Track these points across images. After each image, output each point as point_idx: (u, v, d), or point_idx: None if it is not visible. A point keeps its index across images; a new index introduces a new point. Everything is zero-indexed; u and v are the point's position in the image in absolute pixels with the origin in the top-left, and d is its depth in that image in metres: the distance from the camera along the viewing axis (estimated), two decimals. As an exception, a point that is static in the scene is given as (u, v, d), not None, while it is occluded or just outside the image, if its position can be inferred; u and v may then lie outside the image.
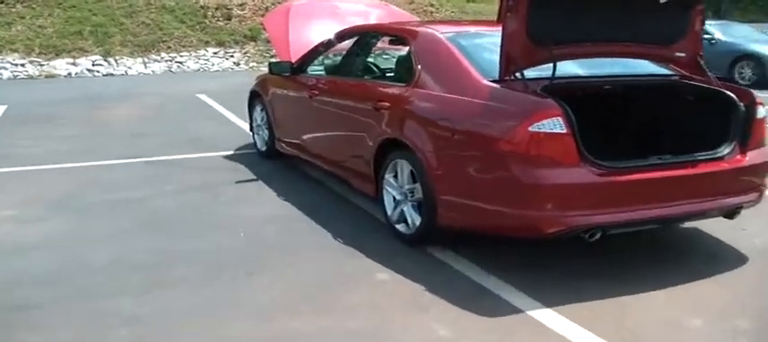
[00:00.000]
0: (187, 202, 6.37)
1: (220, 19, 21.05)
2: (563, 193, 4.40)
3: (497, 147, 4.46)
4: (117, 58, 18.43)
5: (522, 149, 4.36)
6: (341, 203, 6.33)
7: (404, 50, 6.02)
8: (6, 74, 16.93)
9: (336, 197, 6.50)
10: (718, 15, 32.84)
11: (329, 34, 7.24)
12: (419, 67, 5.28)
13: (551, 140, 4.32)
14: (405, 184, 5.21)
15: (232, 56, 19.74)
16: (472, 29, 5.87)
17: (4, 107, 11.97)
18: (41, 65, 17.53)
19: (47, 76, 17.07)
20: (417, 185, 5.06)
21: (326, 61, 7.19)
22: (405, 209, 5.26)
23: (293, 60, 7.41)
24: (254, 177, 7.26)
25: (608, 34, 4.84)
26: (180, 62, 18.88)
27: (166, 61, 18.83)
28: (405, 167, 5.20)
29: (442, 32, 5.46)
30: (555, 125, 4.29)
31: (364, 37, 6.47)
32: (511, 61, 4.61)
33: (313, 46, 7.20)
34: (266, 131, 7.96)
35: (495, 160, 4.52)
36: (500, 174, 4.51)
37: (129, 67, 18.22)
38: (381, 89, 5.68)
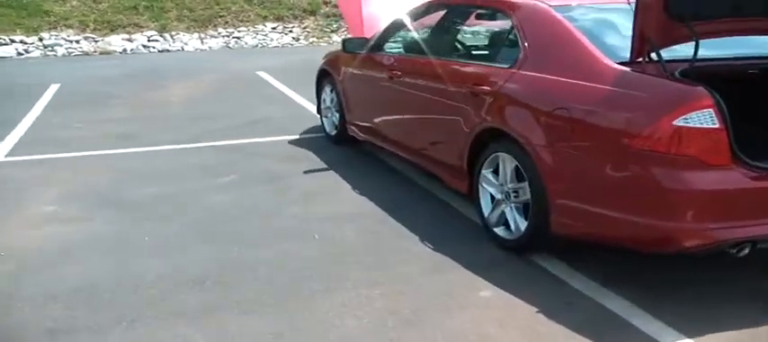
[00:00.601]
0: (249, 198, 5.71)
1: (279, -8, 20.40)
2: (710, 201, 3.63)
3: (631, 143, 3.69)
4: (173, 33, 17.94)
5: (663, 147, 3.58)
6: (425, 199, 5.62)
7: (500, 26, 5.25)
8: (61, 50, 16.55)
9: (420, 191, 5.78)
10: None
11: (408, 7, 6.54)
12: (526, 45, 4.51)
13: (700, 137, 3.55)
14: (507, 181, 4.48)
15: (291, 31, 19.10)
16: (583, 2, 5.04)
17: (57, 86, 11.52)
18: (96, 41, 17.12)
19: (102, 53, 16.66)
20: (524, 185, 4.32)
21: (408, 38, 6.46)
22: (506, 210, 4.53)
23: (368, 37, 6.68)
24: (325, 166, 6.56)
25: (755, 8, 3.99)
26: (237, 38, 18.32)
27: (223, 37, 18.28)
28: (508, 163, 4.46)
29: (551, 5, 4.67)
30: (705, 118, 3.52)
31: (453, 11, 5.69)
32: (645, 39, 3.81)
33: (390, 21, 6.48)
34: (337, 114, 7.29)
35: (626, 159, 3.75)
36: (632, 176, 3.75)
37: (186, 43, 17.71)
38: (478, 71, 4.94)
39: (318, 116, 7.97)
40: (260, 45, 18.21)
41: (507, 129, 4.44)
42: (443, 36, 5.70)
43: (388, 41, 6.42)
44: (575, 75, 4.13)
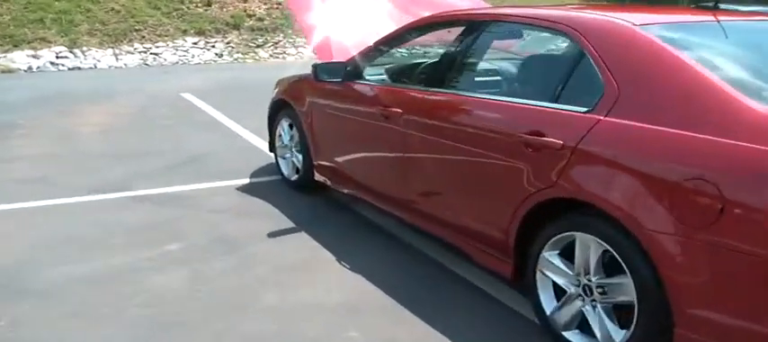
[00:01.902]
0: (204, 280, 4.19)
1: (199, 4, 18.62)
2: None
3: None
4: (84, 49, 15.94)
5: None
6: (445, 280, 4.22)
7: (560, 52, 3.84)
8: (-47, 69, 14.37)
9: (434, 268, 4.36)
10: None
11: (389, 22, 5.09)
12: (613, 81, 3.11)
13: None
14: (589, 272, 3.08)
15: (214, 46, 17.34)
16: (672, 18, 3.66)
17: (-54, 114, 9.53)
18: (-4, 58, 14.97)
19: (3, 72, 14.50)
20: (622, 281, 2.97)
21: (408, 64, 5.07)
22: (585, 310, 3.11)
23: (336, 58, 5.23)
24: (292, 225, 5.04)
25: None
26: (156, 54, 16.45)
27: (140, 52, 16.39)
28: (591, 248, 3.08)
29: (638, 25, 3.27)
30: None
31: (476, 28, 4.18)
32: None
33: (376, 40, 5.11)
34: (299, 155, 5.77)
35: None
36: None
37: (99, 60, 15.75)
38: (534, 114, 3.50)
39: (272, 155, 6.36)
40: (180, 61, 16.36)
41: (595, 201, 3.03)
42: (465, 63, 4.23)
43: (375, 66, 4.93)
44: (704, 126, 2.73)
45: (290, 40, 17.78)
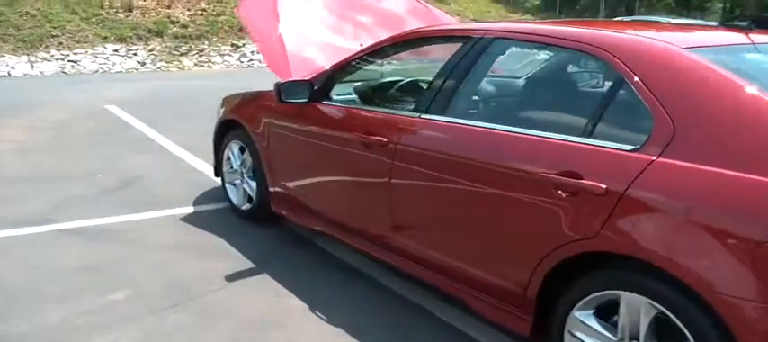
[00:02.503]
0: None
1: (120, 10, 17.61)
2: None
3: None
4: (-4, 56, 14.76)
5: None
6: (439, 331, 3.59)
7: (592, 76, 3.29)
8: None
9: (425, 317, 3.80)
10: (631, 12, 31.33)
11: (354, 34, 4.54)
12: (667, 116, 2.57)
13: None
14: (639, 339, 2.51)
15: (136, 54, 16.41)
16: (712, 38, 3.17)
17: None
18: None
19: None
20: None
21: (395, 86, 4.51)
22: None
23: (296, 75, 4.62)
24: (251, 265, 4.43)
25: None
26: (74, 61, 15.41)
27: (58, 60, 15.32)
28: (643, 311, 2.57)
29: (684, 47, 2.77)
30: None
31: (477, 47, 3.58)
32: None
33: (338, 54, 4.66)
34: (251, 183, 5.10)
35: None
36: None
37: (12, 68, 14.63)
38: (563, 151, 2.94)
39: (217, 179, 5.69)
40: (101, 70, 15.37)
41: (653, 259, 2.51)
42: (470, 86, 3.63)
43: (347, 85, 4.32)
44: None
45: (216, 48, 16.96)
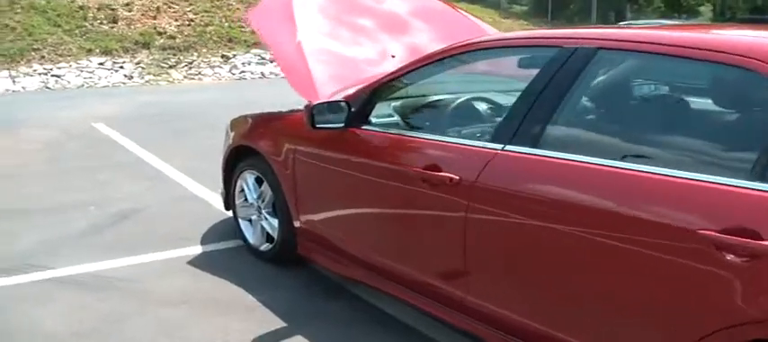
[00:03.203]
0: None
1: (104, 21, 16.73)
2: None
3: None
4: (-25, 71, 13.86)
5: None
6: None
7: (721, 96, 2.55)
8: None
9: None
10: (621, 16, 30.83)
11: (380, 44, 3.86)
12: None
13: None
14: None
15: (122, 67, 15.54)
16: None
17: None
18: None
19: None
20: None
21: (429, 104, 3.72)
22: None
23: (322, 95, 3.93)
24: (285, 325, 3.72)
25: None
26: (58, 76, 14.53)
27: (41, 74, 14.44)
28: None
29: None
30: None
31: (581, 60, 2.79)
32: None
33: (374, 68, 4.17)
34: (273, 220, 4.29)
35: None
36: None
37: (-8, 84, 13.70)
38: (727, 201, 2.20)
39: (227, 212, 4.94)
40: (86, 84, 14.49)
41: None
42: (567, 110, 2.84)
43: (385, 105, 3.54)
44: None
45: (205, 60, 16.13)
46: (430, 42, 4.71)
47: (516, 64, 3.29)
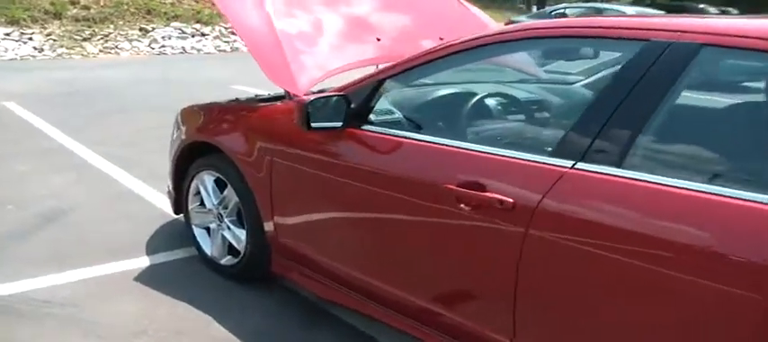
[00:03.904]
0: None
1: (10, -11, 15.29)
2: None
3: None
4: None
5: None
6: None
7: None
8: None
9: None
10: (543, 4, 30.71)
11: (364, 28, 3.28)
12: None
13: None
14: None
15: (31, 39, 14.26)
16: None
17: None
18: None
19: None
20: None
21: (445, 103, 3.13)
22: None
23: (301, 83, 3.42)
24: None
25: None
26: (-43, 47, 13.15)
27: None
28: None
29: None
30: None
31: (678, 59, 2.16)
32: None
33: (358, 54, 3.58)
34: (239, 230, 3.59)
35: None
36: None
37: None
38: None
39: (182, 219, 4.29)
40: (-9, 57, 13.16)
41: None
42: (669, 124, 2.20)
43: (403, 105, 2.94)
44: None
45: (123, 33, 15.00)
46: (417, 27, 4.05)
47: (571, 58, 2.64)
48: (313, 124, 2.85)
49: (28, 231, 4.38)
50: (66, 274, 3.78)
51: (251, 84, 10.47)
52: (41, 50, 14.03)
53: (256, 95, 4.24)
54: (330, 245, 3.13)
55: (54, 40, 14.53)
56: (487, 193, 2.34)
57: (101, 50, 14.68)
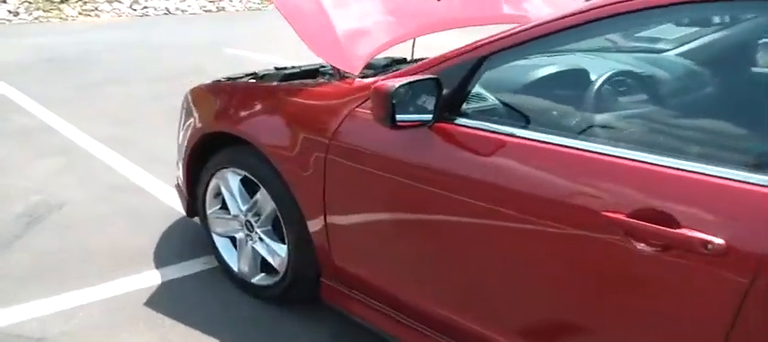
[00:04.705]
0: None
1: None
2: None
3: None
4: None
5: None
6: None
7: None
8: None
9: None
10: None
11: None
12: None
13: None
14: None
15: (5, 2, 13.17)
16: None
17: None
18: None
19: None
20: None
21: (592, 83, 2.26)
22: None
23: (354, 59, 2.67)
24: None
25: None
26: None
27: None
28: None
29: None
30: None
31: None
32: None
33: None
34: (274, 243, 2.95)
35: None
36: None
37: None
38: None
39: (197, 221, 3.50)
40: (-38, 22, 12.14)
41: None
42: None
43: (512, 95, 2.26)
44: None
45: (103, -6, 13.91)
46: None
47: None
48: (399, 118, 2.03)
49: (8, 239, 3.57)
50: (60, 298, 2.98)
51: (245, 47, 9.62)
52: (17, 14, 13.02)
53: (275, 68, 3.43)
54: (410, 275, 2.35)
55: (30, 3, 13.50)
56: (682, 230, 1.54)
57: (80, 13, 13.67)
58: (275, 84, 2.97)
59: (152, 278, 3.18)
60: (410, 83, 2.07)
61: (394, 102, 2.02)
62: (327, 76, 3.03)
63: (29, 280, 3.12)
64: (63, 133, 5.48)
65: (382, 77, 2.37)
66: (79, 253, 3.40)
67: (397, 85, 2.03)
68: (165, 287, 3.12)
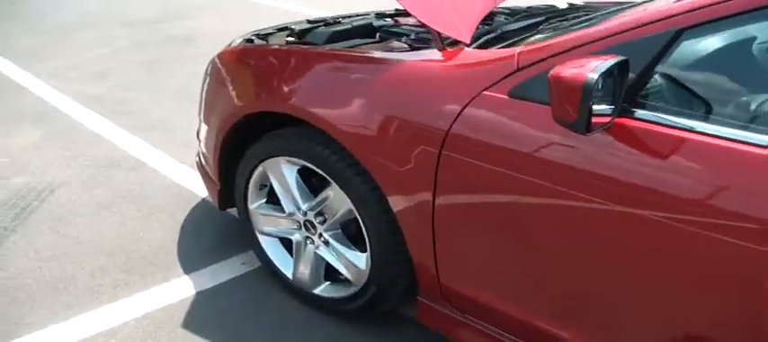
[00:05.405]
0: None
1: None
2: None
3: None
4: None
5: None
6: None
7: None
8: None
9: None
10: None
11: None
12: None
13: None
14: None
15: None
16: None
17: None
18: None
19: None
20: None
21: None
22: None
23: (464, 28, 2.05)
24: None
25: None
26: None
27: None
28: None
29: None
30: None
31: None
32: None
33: None
34: (347, 250, 2.35)
35: None
36: None
37: None
38: None
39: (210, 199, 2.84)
40: None
41: None
42: None
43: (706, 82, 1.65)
44: None
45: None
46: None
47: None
48: (589, 123, 1.42)
49: (2, 234, 2.85)
50: (60, 327, 2.30)
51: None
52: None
53: (308, 21, 2.79)
54: (554, 305, 1.76)
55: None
56: None
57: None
58: (342, 48, 2.30)
59: (184, 288, 2.53)
60: (604, 67, 1.45)
61: (591, 104, 1.41)
62: (403, 39, 2.38)
63: (19, 299, 2.45)
64: (35, 93, 4.71)
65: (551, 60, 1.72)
66: (76, 257, 2.74)
67: (596, 76, 1.41)
68: (205, 298, 2.48)
